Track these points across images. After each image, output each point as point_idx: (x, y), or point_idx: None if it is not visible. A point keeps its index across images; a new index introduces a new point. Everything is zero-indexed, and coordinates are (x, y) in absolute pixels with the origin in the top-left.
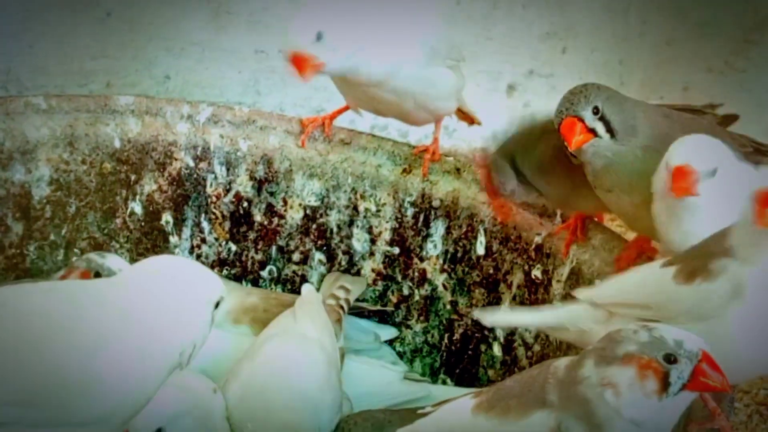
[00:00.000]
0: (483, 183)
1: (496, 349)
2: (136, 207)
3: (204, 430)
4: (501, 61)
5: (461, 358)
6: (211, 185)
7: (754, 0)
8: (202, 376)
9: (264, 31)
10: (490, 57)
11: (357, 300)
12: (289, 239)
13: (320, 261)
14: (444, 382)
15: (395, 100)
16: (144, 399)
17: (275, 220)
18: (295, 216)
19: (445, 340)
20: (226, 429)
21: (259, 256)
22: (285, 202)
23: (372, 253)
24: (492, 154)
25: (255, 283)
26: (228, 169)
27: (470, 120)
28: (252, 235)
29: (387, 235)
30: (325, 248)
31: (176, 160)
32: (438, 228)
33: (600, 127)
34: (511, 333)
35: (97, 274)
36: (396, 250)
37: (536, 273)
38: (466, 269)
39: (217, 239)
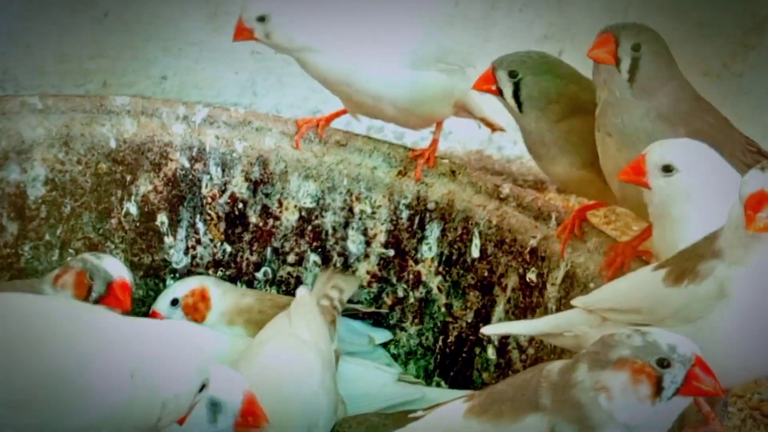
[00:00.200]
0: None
1: (491, 352)
2: (132, 207)
3: None
4: None
5: (455, 360)
6: (206, 186)
7: (753, 2)
8: None
9: None
10: (488, 58)
11: (351, 302)
12: (284, 241)
13: (315, 263)
14: (438, 385)
15: (373, 104)
16: (136, 415)
17: (270, 221)
18: (290, 217)
19: (440, 343)
20: None
21: (254, 258)
22: (280, 204)
23: (367, 255)
24: (500, 62)
25: (250, 284)
26: (223, 170)
27: (492, 126)
28: (247, 237)
29: (382, 237)
30: (320, 250)
31: (172, 160)
32: (433, 230)
33: (626, 63)
34: (505, 336)
35: (92, 276)
36: (391, 252)
37: (531, 276)
38: (461, 272)
39: (212, 240)
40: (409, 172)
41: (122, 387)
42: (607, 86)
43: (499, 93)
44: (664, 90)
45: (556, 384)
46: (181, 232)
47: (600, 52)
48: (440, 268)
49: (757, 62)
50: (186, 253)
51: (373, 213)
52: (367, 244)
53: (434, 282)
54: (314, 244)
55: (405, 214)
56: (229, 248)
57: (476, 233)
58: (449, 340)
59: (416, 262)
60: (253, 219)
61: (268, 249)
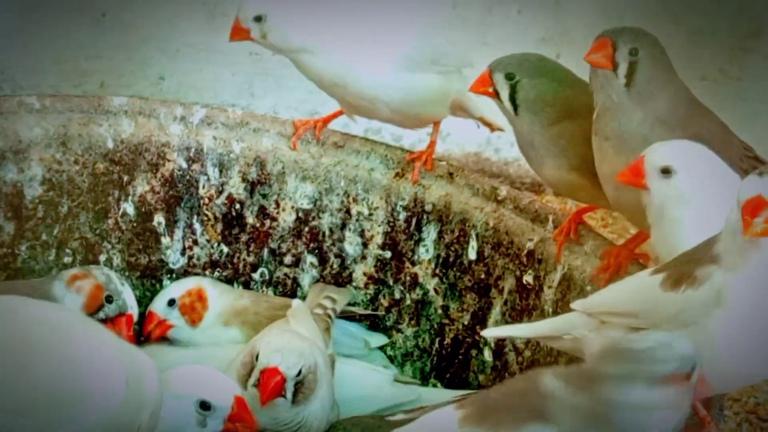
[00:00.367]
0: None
1: (487, 354)
2: (129, 208)
3: None
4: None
5: (452, 362)
6: (203, 187)
7: (749, 8)
8: None
9: None
10: (485, 62)
11: (348, 304)
12: (281, 242)
13: (312, 264)
14: (434, 387)
15: (368, 105)
16: (123, 422)
17: (267, 222)
18: (287, 218)
19: (436, 345)
20: None
21: (250, 259)
22: (277, 205)
23: (364, 257)
24: (498, 69)
25: (246, 285)
26: (221, 171)
27: (490, 126)
28: (244, 237)
29: (379, 239)
30: (317, 251)
31: (169, 161)
32: (430, 232)
33: (623, 68)
34: (502, 338)
35: (110, 299)
36: (388, 254)
37: (528, 279)
38: (458, 274)
39: (209, 241)
40: (407, 174)
41: (118, 394)
42: (604, 91)
43: (496, 95)
44: (662, 94)
45: (572, 397)
46: (178, 233)
47: (597, 57)
48: (437, 270)
49: (754, 67)
50: (183, 253)
51: (370, 215)
52: (364, 245)
53: (431, 284)
54: (311, 245)
55: (402, 216)
56: (226, 249)
57: (473, 235)
58: (446, 342)
59: (413, 264)
60: (250, 220)
61: (265, 250)
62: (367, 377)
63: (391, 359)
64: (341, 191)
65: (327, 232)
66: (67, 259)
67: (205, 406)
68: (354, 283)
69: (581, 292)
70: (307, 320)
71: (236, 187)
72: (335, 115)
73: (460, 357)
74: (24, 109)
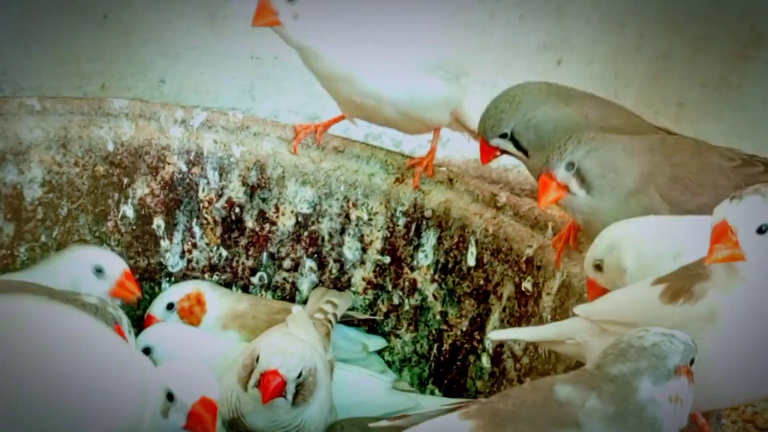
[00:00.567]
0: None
1: (485, 361)
2: (128, 210)
3: None
4: (496, 72)
5: (450, 368)
6: (203, 190)
7: (751, 16)
8: None
9: (260, 37)
10: (486, 67)
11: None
12: (280, 246)
13: (311, 268)
14: (432, 393)
15: (374, 105)
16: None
17: (267, 226)
18: (286, 223)
19: (434, 351)
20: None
21: (250, 262)
22: (277, 209)
23: (363, 262)
24: (483, 131)
25: (245, 289)
26: (221, 175)
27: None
28: (243, 241)
29: (378, 244)
30: (316, 256)
31: (169, 164)
32: (429, 238)
33: (573, 184)
34: (500, 345)
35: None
36: (387, 259)
37: (526, 285)
38: (457, 280)
39: (208, 244)
40: (407, 180)
41: (136, 401)
42: (577, 212)
43: (504, 152)
44: (620, 170)
45: (590, 400)
46: (178, 236)
47: (548, 198)
48: (436, 276)
49: (754, 75)
50: (182, 256)
51: (370, 220)
52: (364, 250)
53: (430, 289)
54: (310, 249)
55: (401, 222)
56: (225, 252)
57: (472, 241)
58: (444, 348)
59: (412, 269)
60: (250, 224)
61: (264, 254)
62: (364, 384)
63: (389, 364)
64: (341, 196)
65: (326, 237)
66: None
67: (170, 397)
68: (353, 288)
69: (580, 299)
70: (307, 326)
71: (236, 191)
72: (336, 120)
73: (458, 363)
74: (24, 110)
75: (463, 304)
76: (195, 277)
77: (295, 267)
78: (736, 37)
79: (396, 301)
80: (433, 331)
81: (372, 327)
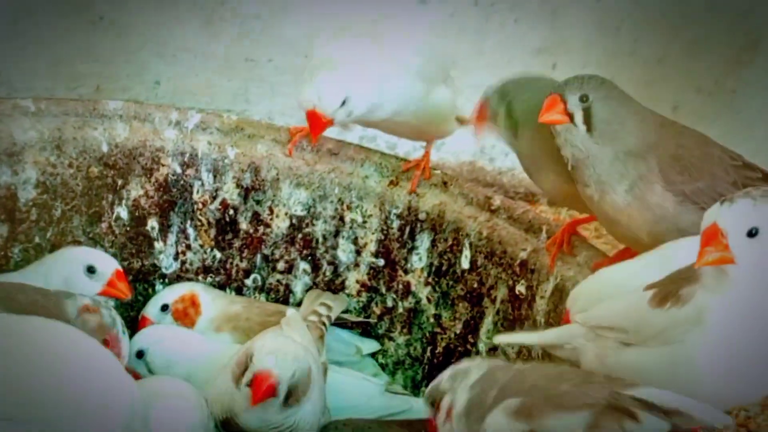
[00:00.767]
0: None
1: None
2: (122, 212)
3: None
4: (492, 75)
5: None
6: (197, 192)
7: (746, 21)
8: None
9: (255, 39)
10: (481, 71)
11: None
12: (274, 248)
13: (305, 271)
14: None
15: (394, 127)
16: None
17: (261, 228)
18: (281, 225)
19: (428, 354)
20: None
21: (243, 264)
22: (271, 211)
23: (357, 264)
24: (492, 91)
25: (239, 291)
26: (215, 177)
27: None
28: (237, 243)
29: (372, 247)
30: (310, 258)
31: (163, 166)
32: (423, 241)
33: (578, 116)
34: (493, 348)
35: (105, 342)
36: (381, 262)
37: (520, 288)
38: (451, 283)
39: (202, 246)
40: (401, 182)
41: (119, 411)
42: (569, 144)
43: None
44: (626, 128)
45: None
46: (172, 238)
47: (552, 115)
48: (430, 279)
49: (749, 79)
50: (176, 258)
51: (364, 222)
52: (358, 253)
53: (423, 292)
54: (304, 252)
55: (396, 224)
56: (219, 254)
57: (466, 244)
58: (437, 351)
59: (406, 272)
60: (244, 226)
61: (258, 256)
62: (358, 387)
63: (383, 367)
64: (335, 198)
65: (320, 239)
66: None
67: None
68: (347, 291)
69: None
70: (301, 329)
71: (230, 193)
72: None
73: None
74: (19, 111)
75: (456, 307)
76: (189, 279)
77: (289, 269)
78: (731, 41)
79: (390, 303)
80: (427, 334)
81: (365, 330)
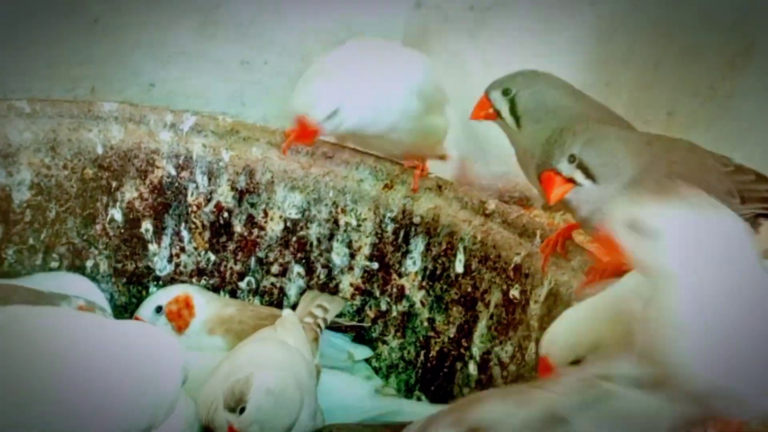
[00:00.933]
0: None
1: (472, 368)
2: (117, 214)
3: None
4: (485, 82)
5: (437, 375)
6: (192, 194)
7: (741, 26)
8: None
9: (250, 42)
10: (474, 76)
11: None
12: (268, 251)
13: (299, 274)
14: (419, 399)
15: (388, 147)
16: None
17: (255, 231)
18: (275, 228)
19: (421, 357)
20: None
21: (237, 267)
22: (265, 214)
23: (351, 268)
24: (497, 85)
25: (233, 293)
26: (209, 179)
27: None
28: (231, 246)
29: (366, 250)
30: (304, 261)
31: (158, 168)
32: (418, 244)
33: (579, 175)
34: (487, 352)
35: None
36: (375, 266)
37: (514, 293)
38: (445, 287)
39: (196, 249)
40: (396, 186)
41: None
42: (582, 203)
43: (497, 115)
44: (619, 158)
45: None
46: (166, 240)
47: (558, 192)
48: (424, 283)
49: (744, 85)
50: (170, 260)
51: (359, 225)
52: (352, 256)
53: (417, 296)
54: (298, 255)
55: (390, 228)
56: (213, 257)
57: (461, 248)
58: (431, 355)
59: (400, 275)
60: (238, 228)
61: (252, 259)
62: (348, 388)
63: (376, 371)
64: (330, 202)
65: (315, 242)
66: (54, 264)
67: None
68: (341, 294)
69: (567, 307)
70: (296, 330)
71: (225, 196)
72: None
73: (445, 370)
74: (14, 112)
75: (450, 311)
76: (183, 281)
77: (283, 272)
78: (727, 46)
79: (384, 307)
80: (421, 338)
81: (359, 333)
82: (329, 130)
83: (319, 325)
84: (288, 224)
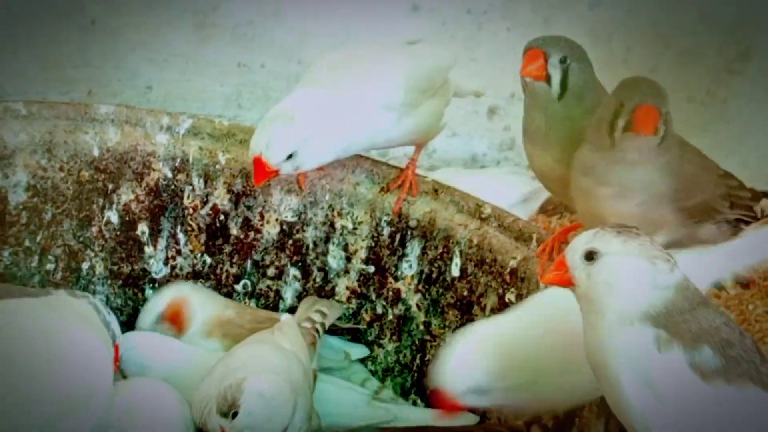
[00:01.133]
0: None
1: None
2: (113, 216)
3: None
4: (483, 84)
5: None
6: (188, 197)
7: (737, 30)
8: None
9: (247, 44)
10: (473, 79)
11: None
12: (264, 254)
13: (295, 277)
14: (414, 403)
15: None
16: None
17: (251, 234)
18: (271, 231)
19: (417, 361)
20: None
21: (233, 270)
22: (262, 217)
23: (347, 271)
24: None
25: (229, 296)
26: (206, 182)
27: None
28: (227, 249)
29: (363, 253)
30: (300, 264)
31: (154, 170)
32: (414, 248)
33: (556, 77)
34: None
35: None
36: (371, 269)
37: (510, 297)
38: (441, 290)
39: (192, 251)
40: (392, 190)
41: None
42: (534, 98)
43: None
44: (590, 92)
45: None
46: (162, 243)
47: (533, 69)
48: (420, 286)
49: (740, 89)
50: (166, 263)
51: (355, 229)
52: (348, 259)
53: (413, 299)
54: (294, 258)
55: (386, 231)
56: (209, 260)
57: (457, 252)
58: (427, 358)
59: (396, 279)
60: (234, 231)
61: (249, 262)
62: (344, 396)
63: (372, 374)
64: (326, 205)
65: (311, 245)
66: (50, 266)
67: None
68: (336, 297)
69: None
70: (293, 334)
71: (221, 198)
72: None
73: None
74: (10, 114)
75: (446, 315)
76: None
77: (279, 275)
78: (723, 51)
79: (379, 310)
80: (416, 342)
81: (355, 337)
82: (287, 172)
83: (317, 330)
84: (284, 227)
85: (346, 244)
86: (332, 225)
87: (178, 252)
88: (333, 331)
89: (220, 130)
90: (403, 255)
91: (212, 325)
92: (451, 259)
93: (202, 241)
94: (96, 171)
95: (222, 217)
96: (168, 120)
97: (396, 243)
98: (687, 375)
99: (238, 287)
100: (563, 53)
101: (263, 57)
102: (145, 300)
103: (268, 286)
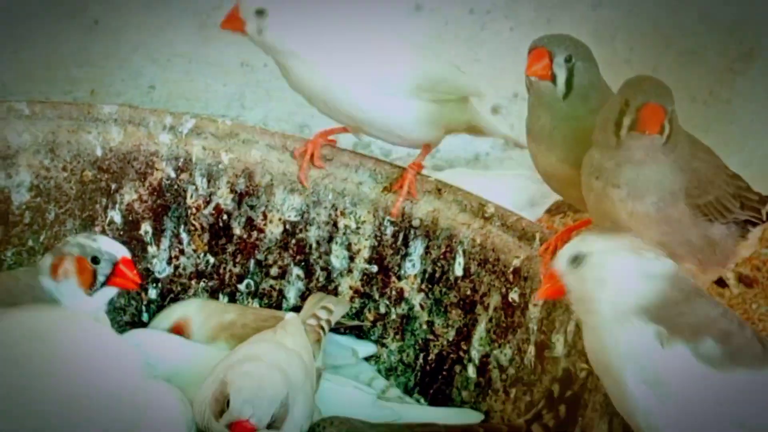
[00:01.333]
0: None
1: (471, 371)
2: (116, 216)
3: None
4: (486, 84)
5: (436, 378)
6: (191, 197)
7: (740, 30)
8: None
9: (250, 44)
10: (476, 79)
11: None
12: (267, 253)
13: (298, 276)
14: (418, 402)
15: (351, 123)
16: None
17: (254, 233)
18: (274, 230)
19: (420, 360)
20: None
21: (237, 269)
22: (265, 216)
23: (350, 270)
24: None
25: (232, 296)
26: (209, 182)
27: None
28: (231, 248)
29: (366, 253)
30: (303, 264)
31: (157, 170)
32: (417, 247)
33: (561, 76)
34: (486, 355)
35: (95, 260)
36: (374, 268)
37: (513, 296)
38: (444, 290)
39: (195, 251)
40: (395, 189)
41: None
42: (539, 97)
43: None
44: (595, 92)
45: None
46: (165, 242)
47: (538, 68)
48: (423, 286)
49: (743, 89)
50: (169, 263)
51: (358, 228)
52: (351, 259)
53: (416, 299)
54: (298, 257)
55: (389, 231)
56: (212, 259)
57: (460, 251)
58: (430, 358)
59: (399, 278)
60: (237, 231)
61: (252, 261)
62: (349, 396)
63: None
64: (329, 204)
65: (314, 245)
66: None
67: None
68: (339, 297)
69: (566, 310)
70: (297, 332)
71: (224, 198)
72: (334, 130)
73: (444, 373)
74: (13, 114)
75: (449, 314)
76: (182, 284)
77: (282, 275)
78: (725, 51)
79: (383, 310)
80: (420, 341)
81: (359, 336)
82: (250, 31)
83: (322, 327)
84: (287, 227)
85: (349, 244)
86: (335, 224)
87: (181, 252)
88: (336, 329)
89: (223, 129)
90: (406, 254)
91: (215, 331)
92: (454, 259)
93: (205, 240)
94: (99, 171)
95: (225, 216)
96: (171, 120)
97: (399, 242)
98: (696, 367)
99: (241, 287)
100: (568, 52)
101: (266, 57)
102: (148, 300)
103: (271, 286)
